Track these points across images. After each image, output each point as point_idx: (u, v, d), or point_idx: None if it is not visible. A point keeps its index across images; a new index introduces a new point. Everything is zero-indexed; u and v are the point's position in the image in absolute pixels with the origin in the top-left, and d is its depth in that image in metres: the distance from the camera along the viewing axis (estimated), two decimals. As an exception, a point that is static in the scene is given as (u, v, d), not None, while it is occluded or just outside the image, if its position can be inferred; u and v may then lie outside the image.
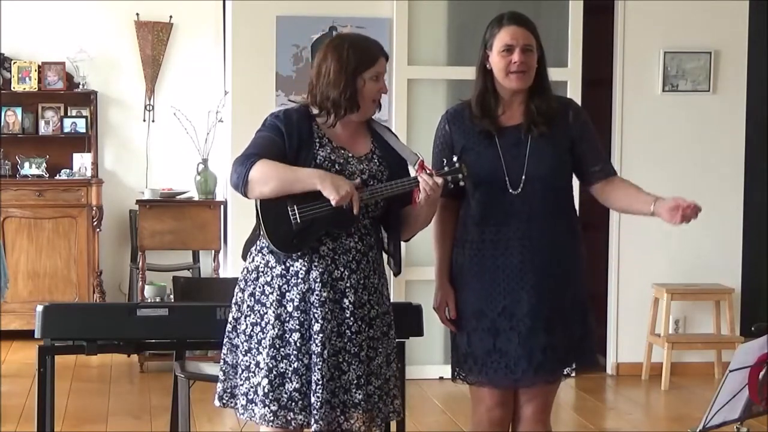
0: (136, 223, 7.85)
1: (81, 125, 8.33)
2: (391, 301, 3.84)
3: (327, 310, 3.60)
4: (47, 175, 8.25)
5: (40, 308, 4.20)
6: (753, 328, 5.24)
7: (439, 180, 3.60)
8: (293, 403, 3.60)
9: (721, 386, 3.49)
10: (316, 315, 3.60)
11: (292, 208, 3.58)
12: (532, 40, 3.74)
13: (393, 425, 4.40)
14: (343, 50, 3.64)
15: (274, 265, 3.66)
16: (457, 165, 3.64)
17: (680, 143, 7.22)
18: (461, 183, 3.65)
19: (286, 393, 3.60)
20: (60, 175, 8.26)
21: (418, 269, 6.72)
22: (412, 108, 6.94)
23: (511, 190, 3.72)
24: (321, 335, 3.59)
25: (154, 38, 8.43)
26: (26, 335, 6.46)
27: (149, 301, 6.85)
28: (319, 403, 3.57)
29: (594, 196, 3.91)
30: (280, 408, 3.60)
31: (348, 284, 3.64)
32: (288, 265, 3.64)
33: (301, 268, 3.63)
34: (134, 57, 8.46)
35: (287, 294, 3.63)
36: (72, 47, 8.27)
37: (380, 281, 3.74)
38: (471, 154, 3.74)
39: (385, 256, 3.81)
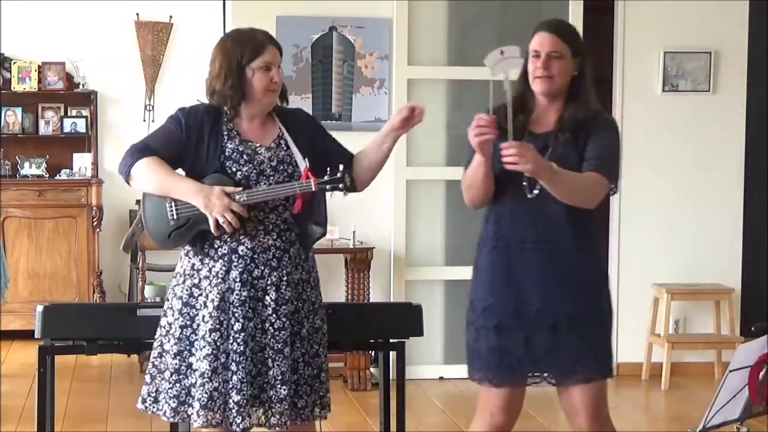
0: (136, 223, 7.85)
1: (81, 125, 8.33)
2: (391, 301, 3.84)
3: (248, 308, 3.63)
4: (47, 175, 8.24)
5: (40, 308, 4.20)
6: (753, 328, 5.23)
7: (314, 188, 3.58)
8: (212, 403, 3.62)
9: (721, 386, 3.49)
10: (236, 314, 3.63)
11: (170, 205, 3.64)
12: (561, 47, 3.76)
13: (393, 425, 4.39)
14: (228, 43, 3.68)
15: (200, 267, 3.71)
16: (339, 174, 3.60)
17: (680, 143, 7.22)
18: (345, 193, 3.62)
19: (206, 392, 3.63)
20: (60, 175, 8.26)
21: (419, 269, 6.71)
22: (412, 108, 6.91)
23: (528, 194, 3.70)
24: (243, 334, 3.62)
25: (154, 38, 8.43)
26: (26, 335, 6.44)
27: (149, 301, 6.84)
28: (244, 401, 3.59)
29: None
30: (201, 407, 3.63)
31: (269, 282, 3.66)
32: (210, 266, 3.68)
33: (221, 269, 3.67)
34: (134, 57, 8.46)
35: (209, 295, 3.66)
36: (72, 47, 8.27)
37: (305, 276, 3.74)
38: (497, 153, 3.68)
39: None
